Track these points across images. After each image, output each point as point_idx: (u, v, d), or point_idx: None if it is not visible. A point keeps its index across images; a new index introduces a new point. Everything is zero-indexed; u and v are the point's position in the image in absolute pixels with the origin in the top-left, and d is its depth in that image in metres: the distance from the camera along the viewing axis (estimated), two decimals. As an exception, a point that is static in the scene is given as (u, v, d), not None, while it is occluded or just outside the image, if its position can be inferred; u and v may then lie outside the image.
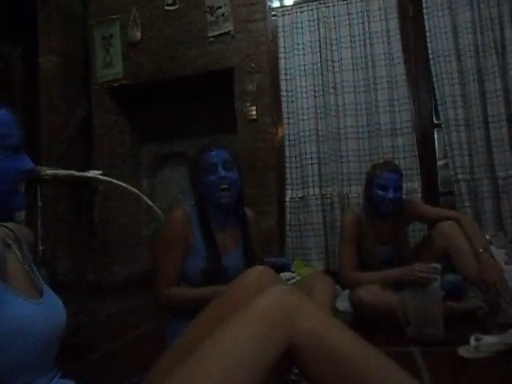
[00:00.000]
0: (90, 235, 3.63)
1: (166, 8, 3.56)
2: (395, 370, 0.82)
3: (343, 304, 2.39)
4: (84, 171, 2.08)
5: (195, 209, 1.60)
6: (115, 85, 3.69)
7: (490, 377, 1.41)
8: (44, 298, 0.82)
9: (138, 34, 3.62)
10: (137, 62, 3.63)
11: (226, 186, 1.55)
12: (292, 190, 3.14)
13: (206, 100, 3.74)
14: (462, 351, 1.58)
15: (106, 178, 2.03)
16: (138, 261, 3.77)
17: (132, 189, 1.99)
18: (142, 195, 2.00)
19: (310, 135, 3.12)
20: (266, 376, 0.75)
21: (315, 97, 3.15)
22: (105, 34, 3.74)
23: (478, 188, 2.85)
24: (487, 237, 2.48)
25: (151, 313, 1.95)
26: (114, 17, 3.69)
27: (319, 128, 3.13)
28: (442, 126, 2.96)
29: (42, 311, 0.78)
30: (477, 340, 1.59)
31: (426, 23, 3.00)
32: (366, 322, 2.01)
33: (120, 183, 1.98)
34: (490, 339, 1.57)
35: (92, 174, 2.04)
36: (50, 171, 1.93)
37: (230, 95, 3.39)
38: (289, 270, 2.75)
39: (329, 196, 3.08)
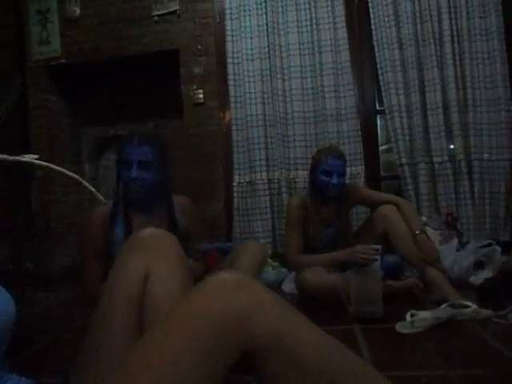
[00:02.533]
0: (28, 222, 3.45)
1: (108, -17, 3.39)
2: (361, 365, 0.74)
3: (289, 286, 2.45)
4: (19, 155, 1.95)
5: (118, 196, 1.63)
6: (53, 63, 3.48)
7: (424, 349, 1.50)
8: None
9: (77, 10, 3.42)
10: (76, 40, 3.44)
11: (136, 188, 1.57)
12: (239, 174, 3.14)
13: (151, 82, 3.63)
14: (399, 327, 1.67)
15: (42, 162, 1.92)
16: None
17: (71, 173, 1.90)
18: (81, 180, 1.91)
19: (257, 120, 3.12)
20: None
21: (262, 81, 3.15)
22: (41, 8, 3.50)
23: (417, 172, 2.99)
24: (424, 219, 2.63)
25: (94, 302, 1.90)
26: (51, -10, 3.46)
27: (266, 113, 3.14)
28: (386, 111, 3.05)
29: None
30: (412, 316, 1.68)
31: (371, 11, 3.07)
32: (311, 302, 2.07)
33: (58, 168, 1.89)
34: (423, 315, 1.66)
35: (27, 158, 1.93)
36: (-21, 155, 1.80)
37: (176, 78, 3.31)
38: (236, 255, 2.76)
39: (276, 180, 3.11)
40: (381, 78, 3.06)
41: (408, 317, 1.69)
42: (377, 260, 1.98)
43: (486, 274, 2.20)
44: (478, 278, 2.16)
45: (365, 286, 1.87)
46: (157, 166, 1.60)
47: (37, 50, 3.50)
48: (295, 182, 3.07)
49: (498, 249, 2.37)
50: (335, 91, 3.08)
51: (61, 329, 2.04)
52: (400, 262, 2.31)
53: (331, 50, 3.09)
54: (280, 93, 3.11)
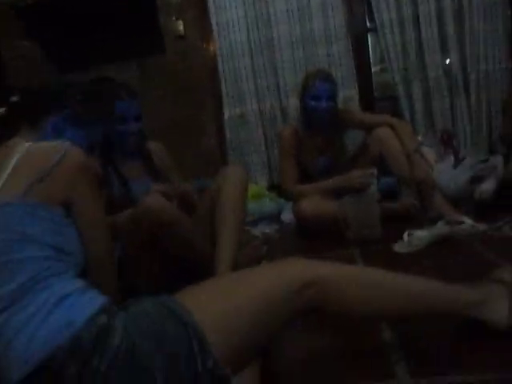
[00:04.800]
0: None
1: None
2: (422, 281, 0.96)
3: (287, 216, 2.47)
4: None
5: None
6: (20, 5, 3.25)
7: (423, 268, 1.53)
8: None
9: None
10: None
11: (134, 139, 1.71)
12: (229, 107, 3.05)
13: (128, 17, 3.41)
14: (397, 247, 1.70)
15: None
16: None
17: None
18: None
19: (242, 48, 2.97)
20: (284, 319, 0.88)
21: (245, 5, 2.95)
22: None
23: (411, 90, 2.90)
24: (419, 138, 2.59)
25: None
26: None
27: (251, 39, 2.97)
28: (378, 28, 2.89)
29: None
30: (409, 235, 1.71)
31: None
32: (309, 231, 2.10)
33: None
34: (420, 233, 1.69)
35: None
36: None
37: (154, 9, 3.10)
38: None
39: (267, 111, 3.03)
40: (370, -8, 2.86)
41: (405, 236, 1.71)
42: (373, 183, 1.98)
43: (486, 187, 2.18)
44: (479, 193, 2.15)
45: (362, 209, 1.89)
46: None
47: (1, -9, 3.26)
48: (287, 111, 2.99)
49: (499, 161, 2.34)
50: (323, 11, 2.90)
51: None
52: (396, 184, 2.31)
53: (316, -35, 2.86)
54: (265, 17, 2.93)
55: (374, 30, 2.98)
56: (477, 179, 2.28)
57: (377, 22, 2.89)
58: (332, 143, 2.27)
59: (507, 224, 1.75)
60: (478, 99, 2.82)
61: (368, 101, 3.05)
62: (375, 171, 2.02)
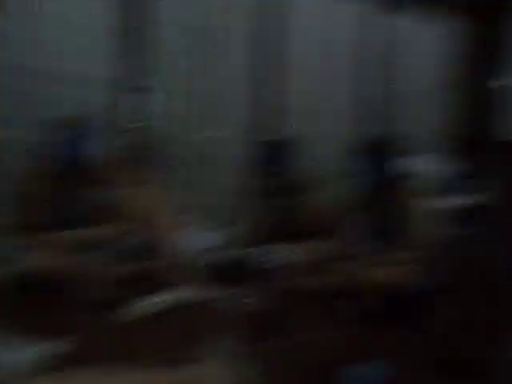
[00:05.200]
0: None
1: None
2: None
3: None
4: None
5: None
6: None
7: (144, 335, 1.54)
8: None
9: None
10: None
11: None
12: None
13: None
14: (123, 313, 1.69)
15: None
16: None
17: None
18: None
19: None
20: None
21: None
22: None
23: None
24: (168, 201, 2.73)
25: None
26: None
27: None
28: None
29: None
30: (137, 302, 1.72)
31: None
32: (38, 284, 1.90)
33: None
34: (148, 300, 1.73)
35: None
36: None
37: None
38: None
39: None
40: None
41: (132, 303, 1.70)
42: (118, 242, 2.00)
43: (211, 260, 2.38)
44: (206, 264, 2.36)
45: (96, 269, 1.85)
46: None
47: None
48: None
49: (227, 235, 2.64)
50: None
51: None
52: (141, 245, 2.33)
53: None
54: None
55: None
56: (209, 251, 2.54)
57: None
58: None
59: (226, 297, 1.97)
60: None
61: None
62: (123, 229, 2.03)
